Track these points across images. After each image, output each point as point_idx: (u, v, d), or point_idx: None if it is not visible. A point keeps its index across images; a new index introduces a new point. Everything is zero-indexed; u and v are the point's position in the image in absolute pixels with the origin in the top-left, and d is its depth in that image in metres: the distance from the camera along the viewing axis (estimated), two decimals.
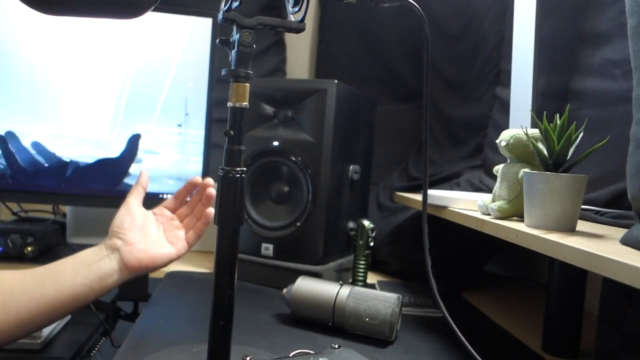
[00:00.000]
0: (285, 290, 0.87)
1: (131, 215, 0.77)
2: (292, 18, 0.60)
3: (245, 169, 0.58)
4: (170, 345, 0.71)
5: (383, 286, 1.11)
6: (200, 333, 0.76)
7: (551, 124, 0.68)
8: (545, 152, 0.68)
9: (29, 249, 1.10)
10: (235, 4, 0.56)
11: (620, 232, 0.63)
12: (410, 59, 1.57)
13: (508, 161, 0.80)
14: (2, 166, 1.17)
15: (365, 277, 1.09)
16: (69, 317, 0.95)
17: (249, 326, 0.81)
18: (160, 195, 1.23)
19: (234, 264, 0.58)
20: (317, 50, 1.71)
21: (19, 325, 0.67)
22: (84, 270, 0.70)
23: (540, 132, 0.69)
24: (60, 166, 1.19)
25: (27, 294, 0.67)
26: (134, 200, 0.79)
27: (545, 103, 0.99)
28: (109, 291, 0.73)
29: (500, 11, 1.26)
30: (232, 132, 0.57)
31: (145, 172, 0.82)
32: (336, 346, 0.66)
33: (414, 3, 0.64)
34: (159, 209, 0.84)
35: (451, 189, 1.23)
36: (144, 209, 0.80)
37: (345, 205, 1.10)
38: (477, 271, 1.28)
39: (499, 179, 0.79)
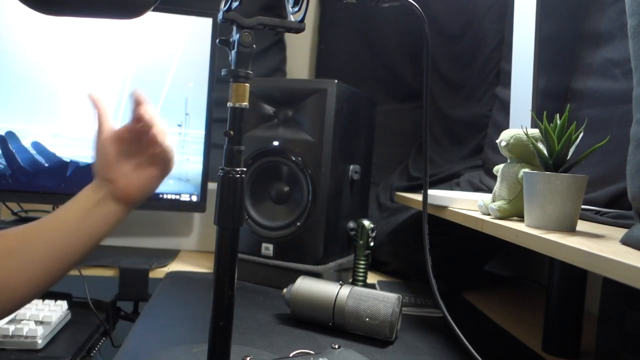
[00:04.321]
0: (285, 290, 0.86)
1: (105, 153, 0.74)
2: (292, 18, 0.60)
3: (245, 169, 0.58)
4: (170, 345, 0.71)
5: (383, 286, 1.11)
6: (200, 333, 0.76)
7: (551, 124, 0.68)
8: (545, 152, 0.68)
9: None
10: (235, 4, 0.56)
11: (620, 232, 0.63)
12: (410, 59, 1.57)
13: (508, 161, 0.80)
14: (2, 166, 1.17)
15: (365, 277, 1.09)
16: (69, 317, 0.95)
17: (249, 326, 0.81)
18: (160, 195, 1.23)
19: (234, 264, 0.58)
20: (317, 50, 1.71)
21: (40, 278, 0.66)
22: (85, 216, 0.70)
23: (541, 132, 0.69)
24: (60, 166, 1.19)
25: (43, 245, 0.67)
26: (103, 137, 0.76)
27: (546, 103, 0.99)
28: (116, 226, 0.72)
29: (501, 11, 1.26)
30: (232, 132, 0.57)
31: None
32: (336, 346, 0.66)
33: (413, 3, 0.64)
34: (123, 132, 0.76)
35: (451, 189, 1.23)
36: (114, 141, 0.74)
37: (345, 205, 1.10)
38: (477, 271, 1.28)
39: (499, 179, 0.79)
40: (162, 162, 0.74)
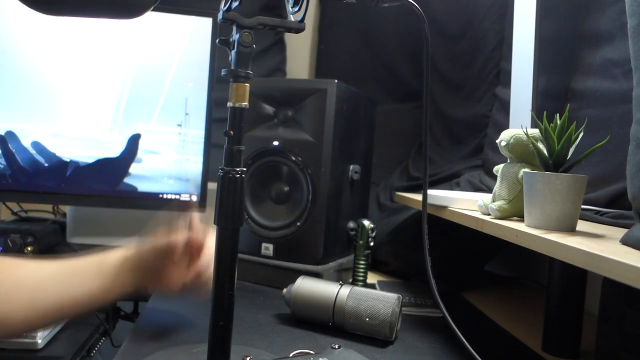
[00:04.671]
0: (285, 290, 0.86)
1: (155, 264, 0.76)
2: (292, 18, 0.60)
3: (245, 169, 0.58)
4: (170, 345, 0.71)
5: (383, 286, 1.11)
6: (200, 333, 0.76)
7: (551, 124, 0.68)
8: (545, 152, 0.68)
9: (29, 248, 1.10)
10: (235, 4, 0.56)
11: (620, 232, 0.63)
12: (410, 59, 1.57)
13: (508, 161, 0.80)
14: (2, 166, 1.17)
15: (365, 277, 1.09)
16: None
17: (249, 326, 0.81)
18: (160, 195, 1.23)
19: (234, 264, 0.58)
20: (317, 50, 1.71)
21: (42, 320, 0.68)
22: (104, 276, 0.71)
23: (541, 132, 0.69)
24: (60, 166, 1.19)
25: (53, 294, 0.67)
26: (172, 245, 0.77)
27: (546, 103, 0.99)
28: (124, 297, 0.74)
29: (501, 11, 1.26)
30: (232, 132, 0.57)
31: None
32: (336, 346, 0.66)
33: (413, 3, 0.64)
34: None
35: (451, 188, 1.23)
36: (171, 256, 0.77)
37: (345, 205, 1.10)
38: (477, 271, 1.28)
39: (499, 179, 0.79)
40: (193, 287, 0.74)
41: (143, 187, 1.23)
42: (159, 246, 0.75)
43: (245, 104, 0.58)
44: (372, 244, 1.09)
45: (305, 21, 0.59)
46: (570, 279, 0.82)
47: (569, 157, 0.67)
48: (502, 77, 1.22)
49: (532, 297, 1.19)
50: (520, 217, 0.73)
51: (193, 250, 0.76)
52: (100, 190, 1.21)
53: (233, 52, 0.57)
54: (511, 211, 0.76)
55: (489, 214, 0.79)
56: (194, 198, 1.25)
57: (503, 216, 0.76)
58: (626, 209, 0.77)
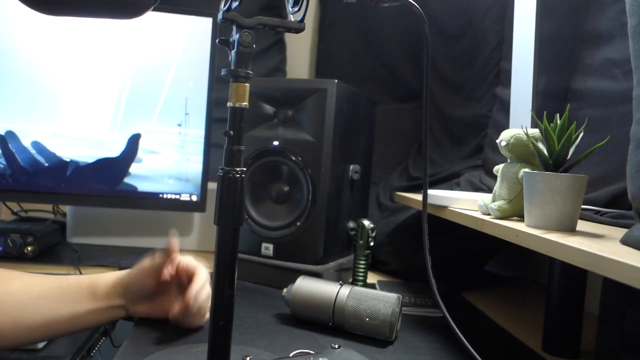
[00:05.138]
0: (285, 290, 0.86)
1: (143, 284, 0.76)
2: (292, 18, 0.60)
3: (245, 169, 0.58)
4: (170, 345, 0.71)
5: (383, 286, 1.11)
6: (200, 333, 0.76)
7: (551, 124, 0.68)
8: (545, 152, 0.68)
9: (29, 248, 1.10)
10: (235, 4, 0.56)
11: (621, 232, 0.63)
12: (410, 59, 1.57)
13: (508, 161, 0.80)
14: (2, 166, 1.17)
15: (365, 277, 1.09)
16: None
17: (249, 326, 0.81)
18: (160, 195, 1.23)
19: (234, 264, 0.58)
20: (317, 50, 1.71)
21: (28, 337, 0.69)
22: (95, 300, 0.73)
23: (541, 132, 0.69)
24: (60, 166, 1.19)
25: (41, 313, 0.68)
26: (149, 268, 0.77)
27: (546, 103, 0.99)
28: (113, 320, 0.77)
29: (501, 11, 1.26)
30: (232, 132, 0.57)
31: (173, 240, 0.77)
32: (336, 346, 0.66)
33: (413, 3, 0.64)
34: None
35: (451, 188, 1.23)
36: (156, 276, 0.76)
37: (345, 205, 1.10)
38: (477, 271, 1.28)
39: (499, 179, 0.79)
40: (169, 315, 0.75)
41: (143, 187, 1.23)
42: (146, 268, 0.75)
43: (245, 104, 0.58)
44: (372, 244, 1.09)
45: (305, 21, 0.59)
46: (570, 279, 0.82)
47: (569, 157, 0.67)
48: (502, 77, 1.22)
49: (532, 297, 1.19)
50: (520, 217, 0.73)
51: (182, 278, 0.76)
52: (100, 190, 1.21)
53: (233, 52, 0.57)
54: (511, 211, 0.76)
55: (489, 214, 0.79)
56: (194, 198, 1.25)
57: (503, 216, 0.76)
58: (626, 209, 0.77)
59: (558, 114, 0.69)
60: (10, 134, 1.17)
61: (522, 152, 0.77)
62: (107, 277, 0.75)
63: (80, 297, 0.72)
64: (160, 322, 0.81)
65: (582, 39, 0.98)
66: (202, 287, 0.74)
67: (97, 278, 0.75)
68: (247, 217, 1.06)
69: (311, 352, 0.68)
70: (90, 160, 1.21)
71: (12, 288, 0.67)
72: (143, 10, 0.57)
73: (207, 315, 0.76)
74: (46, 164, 1.19)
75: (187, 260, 0.77)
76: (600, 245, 0.54)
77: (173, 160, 1.23)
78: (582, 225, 0.71)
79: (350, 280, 1.11)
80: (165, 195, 1.23)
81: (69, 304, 0.70)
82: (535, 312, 1.03)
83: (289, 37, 1.66)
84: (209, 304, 0.69)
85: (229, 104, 0.57)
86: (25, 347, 0.79)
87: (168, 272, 0.74)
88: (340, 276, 1.10)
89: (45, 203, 1.28)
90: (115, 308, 0.74)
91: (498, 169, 0.80)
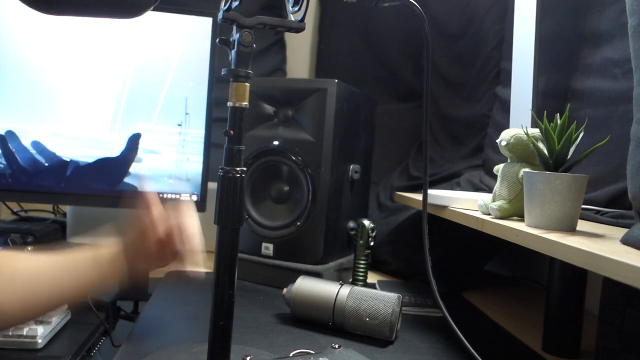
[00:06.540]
0: (285, 290, 0.86)
1: (144, 246, 0.77)
2: (292, 17, 0.60)
3: (245, 168, 0.58)
4: (170, 345, 0.71)
5: (383, 286, 1.11)
6: (200, 333, 0.76)
7: (551, 124, 0.68)
8: (545, 151, 0.68)
9: (29, 248, 1.10)
10: (235, 4, 0.56)
11: (621, 231, 0.63)
12: (410, 59, 1.57)
13: (508, 161, 0.80)
14: (2, 166, 1.17)
15: (365, 276, 1.09)
16: (69, 316, 0.95)
17: (249, 326, 0.81)
18: (160, 195, 1.23)
19: (234, 264, 0.58)
20: (317, 49, 1.71)
21: (36, 311, 0.69)
22: (100, 268, 0.73)
23: (541, 131, 0.69)
24: (60, 165, 1.19)
25: (48, 286, 0.68)
26: (143, 219, 0.79)
27: (546, 103, 0.99)
28: (116, 285, 0.75)
29: (501, 11, 1.26)
30: (232, 131, 0.57)
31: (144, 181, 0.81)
32: (336, 346, 0.66)
33: (414, 3, 0.64)
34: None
35: (451, 188, 1.23)
36: (154, 236, 0.79)
37: (345, 205, 1.10)
38: (477, 271, 1.28)
39: (499, 179, 0.79)
40: (179, 257, 0.75)
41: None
42: (143, 230, 0.76)
43: (246, 103, 0.58)
44: (372, 243, 1.09)
45: (305, 21, 0.59)
46: (570, 279, 0.82)
47: (569, 156, 0.67)
48: (502, 76, 1.22)
49: (532, 297, 1.19)
50: (521, 217, 0.73)
51: (175, 231, 0.76)
52: (100, 190, 1.21)
53: (233, 51, 0.57)
54: (511, 211, 0.76)
55: (489, 214, 0.79)
56: (194, 198, 1.25)
57: (503, 216, 0.76)
58: (626, 209, 0.77)
59: (558, 114, 0.69)
60: (10, 133, 1.17)
61: (522, 152, 0.77)
62: (109, 247, 0.76)
63: (84, 266, 0.72)
64: (160, 322, 0.81)
65: (582, 38, 0.98)
66: (193, 236, 0.75)
67: (98, 248, 0.75)
68: (247, 217, 1.06)
69: (311, 352, 0.68)
70: (91, 160, 1.20)
71: (17, 265, 0.68)
72: (143, 10, 0.57)
73: (200, 254, 0.78)
74: (46, 164, 1.19)
75: (175, 212, 0.77)
76: (600, 245, 0.54)
77: (173, 160, 1.23)
78: (582, 225, 0.71)
79: (350, 280, 1.11)
80: (165, 195, 1.23)
81: (74, 275, 0.71)
82: (535, 312, 1.03)
83: (289, 37, 1.66)
84: (201, 242, 0.74)
85: (229, 104, 0.57)
86: (37, 319, 0.78)
87: (163, 229, 0.75)
88: (340, 276, 1.10)
89: (45, 203, 1.27)
90: (119, 272, 0.74)
91: (498, 168, 0.80)
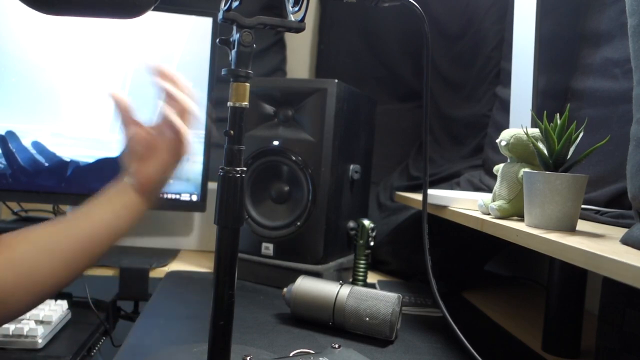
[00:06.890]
0: (285, 290, 0.87)
1: (135, 148, 0.77)
2: (292, 18, 0.60)
3: (245, 168, 0.58)
4: (170, 344, 0.71)
5: (383, 286, 1.11)
6: (200, 333, 0.76)
7: (551, 124, 0.68)
8: (545, 151, 0.68)
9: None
10: (235, 4, 0.56)
11: (621, 231, 0.63)
12: (410, 59, 1.57)
13: (508, 161, 0.80)
14: (2, 166, 1.17)
15: (365, 276, 1.09)
16: (69, 316, 0.95)
17: (249, 326, 0.81)
18: (161, 195, 1.23)
19: (234, 264, 0.58)
20: (317, 50, 1.71)
21: (66, 267, 0.67)
22: (108, 203, 0.73)
23: (541, 131, 0.69)
24: (60, 166, 1.19)
25: (66, 235, 0.67)
26: (132, 132, 0.79)
27: (546, 103, 0.99)
28: (136, 220, 0.75)
29: (501, 11, 1.26)
30: (232, 131, 0.57)
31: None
32: (336, 346, 0.66)
33: (414, 3, 0.64)
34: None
35: (451, 188, 1.23)
36: (132, 133, 0.79)
37: (345, 205, 1.10)
38: (477, 271, 1.28)
39: (499, 179, 0.79)
40: (172, 147, 0.75)
41: None
42: (135, 138, 0.77)
43: (246, 103, 0.58)
44: (372, 243, 1.09)
45: (305, 21, 0.59)
46: (570, 278, 0.82)
47: (569, 156, 0.67)
48: (502, 76, 1.22)
49: (532, 297, 1.19)
50: (521, 217, 0.73)
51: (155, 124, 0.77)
52: (100, 190, 1.21)
53: (233, 51, 0.57)
54: (511, 211, 0.76)
55: (489, 214, 0.79)
56: (194, 198, 1.25)
57: (503, 216, 0.76)
58: (626, 209, 0.77)
59: (558, 114, 0.69)
60: (11, 133, 1.17)
61: (522, 152, 0.77)
62: (109, 186, 0.76)
63: (93, 212, 0.72)
64: (160, 322, 0.81)
65: (582, 38, 0.98)
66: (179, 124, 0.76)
67: (99, 192, 0.75)
68: (247, 216, 1.06)
69: (311, 351, 0.68)
70: (91, 160, 1.20)
71: (19, 249, 0.67)
72: (144, 10, 0.57)
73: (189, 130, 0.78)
74: (46, 164, 1.19)
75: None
76: (600, 245, 0.54)
77: None
78: (582, 225, 0.71)
79: (351, 280, 1.11)
80: (165, 195, 1.23)
81: (88, 225, 0.70)
82: (535, 312, 1.03)
83: (289, 37, 1.66)
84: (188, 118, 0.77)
85: (229, 104, 0.57)
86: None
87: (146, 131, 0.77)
88: (340, 276, 1.10)
89: (45, 203, 1.27)
90: (130, 202, 0.73)
91: (498, 168, 0.80)
